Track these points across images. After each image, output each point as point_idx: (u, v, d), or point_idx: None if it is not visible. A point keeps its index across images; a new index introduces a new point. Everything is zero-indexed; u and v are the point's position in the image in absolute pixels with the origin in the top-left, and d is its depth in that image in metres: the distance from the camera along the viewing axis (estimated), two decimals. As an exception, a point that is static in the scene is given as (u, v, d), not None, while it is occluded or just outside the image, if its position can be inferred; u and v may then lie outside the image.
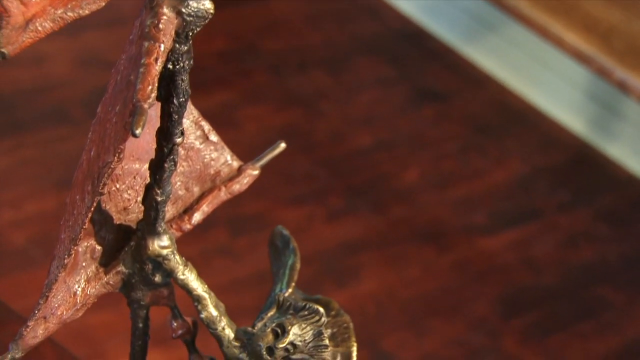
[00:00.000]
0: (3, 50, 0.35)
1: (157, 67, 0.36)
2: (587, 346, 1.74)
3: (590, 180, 2.09)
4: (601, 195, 2.06)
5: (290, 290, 0.52)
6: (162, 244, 0.48)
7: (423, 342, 1.69)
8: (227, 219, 1.81)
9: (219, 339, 0.51)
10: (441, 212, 1.94)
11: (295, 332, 0.49)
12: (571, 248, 1.93)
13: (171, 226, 0.50)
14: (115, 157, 0.38)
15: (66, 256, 0.43)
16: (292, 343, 0.49)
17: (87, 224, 0.42)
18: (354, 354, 0.52)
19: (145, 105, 0.34)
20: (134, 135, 0.34)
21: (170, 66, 0.42)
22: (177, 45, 0.40)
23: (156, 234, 0.47)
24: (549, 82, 2.22)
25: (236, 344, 0.51)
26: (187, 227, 0.49)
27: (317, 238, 1.80)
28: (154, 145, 0.44)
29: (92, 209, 0.41)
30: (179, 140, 0.43)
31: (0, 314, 0.81)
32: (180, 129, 0.43)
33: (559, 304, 1.81)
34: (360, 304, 1.70)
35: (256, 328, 0.50)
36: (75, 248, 0.43)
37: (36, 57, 2.06)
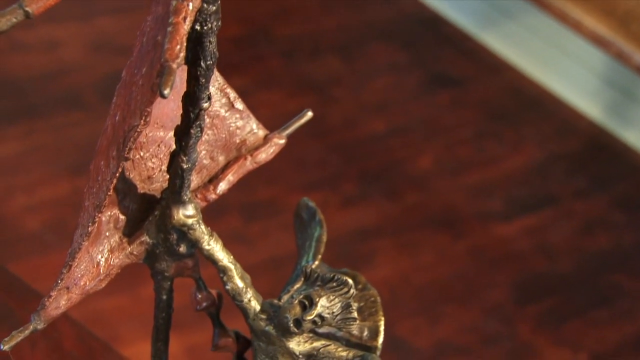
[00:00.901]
0: (27, 9, 0.34)
1: (186, 27, 0.35)
2: (602, 333, 1.73)
3: (607, 167, 2.08)
4: (617, 182, 2.05)
5: (316, 262, 0.51)
6: (187, 213, 0.47)
7: (437, 328, 1.68)
8: (240, 205, 1.80)
9: (244, 311, 0.50)
10: (456, 198, 1.93)
11: (323, 304, 0.48)
12: (587, 235, 1.92)
13: (196, 196, 0.49)
14: (142, 120, 0.37)
15: (90, 224, 0.42)
16: (319, 315, 0.48)
17: (111, 191, 0.41)
18: (382, 328, 0.51)
19: (174, 65, 0.33)
20: (162, 96, 0.33)
21: (197, 27, 0.40)
22: (205, 5, 0.39)
23: (181, 202, 0.46)
24: (565, 67, 2.20)
25: (262, 316, 0.49)
26: (213, 196, 0.48)
27: (330, 224, 1.78)
28: (179, 113, 0.43)
29: (117, 175, 0.40)
30: (205, 105, 0.42)
31: (20, 292, 0.81)
32: (207, 93, 0.42)
33: (574, 291, 1.80)
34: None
35: (282, 300, 0.49)
36: (99, 216, 0.42)
37: (49, 42, 2.06)
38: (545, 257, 1.85)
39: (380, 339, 0.51)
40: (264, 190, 1.86)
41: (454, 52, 2.28)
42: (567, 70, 2.20)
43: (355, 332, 0.51)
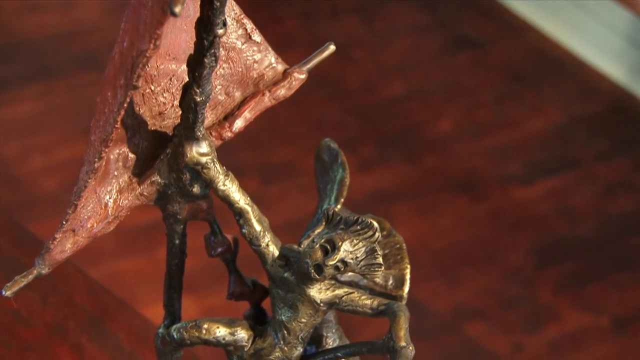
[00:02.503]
0: None
1: (198, -59, 0.33)
2: (624, 296, 1.72)
3: (630, 129, 2.07)
4: (640, 145, 2.04)
5: (339, 206, 0.49)
6: (201, 150, 0.44)
7: (456, 292, 1.67)
8: (258, 167, 1.79)
9: (262, 256, 0.47)
10: (475, 162, 1.92)
11: (346, 249, 0.45)
12: (608, 198, 1.90)
13: (210, 133, 0.46)
14: (151, 44, 0.35)
15: (96, 159, 0.40)
16: (342, 260, 0.45)
17: (119, 123, 0.38)
18: (408, 276, 0.48)
19: (186, -18, 0.31)
20: (173, 14, 0.31)
21: None
22: None
23: (195, 139, 0.44)
24: (589, 28, 2.17)
25: (281, 262, 0.47)
26: (228, 134, 0.46)
27: (348, 186, 1.78)
28: (192, 44, 0.40)
29: (125, 105, 0.38)
30: (220, 31, 0.40)
31: (32, 247, 0.79)
32: (223, 18, 0.39)
33: (595, 254, 1.79)
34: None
35: (303, 246, 0.46)
36: (106, 150, 0.40)
37: (65, 2, 2.05)
38: (566, 221, 1.84)
39: (407, 288, 0.48)
40: (281, 153, 1.85)
41: (475, 13, 2.26)
42: (590, 31, 2.17)
43: (379, 280, 0.48)
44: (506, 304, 1.68)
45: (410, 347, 0.42)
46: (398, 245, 0.49)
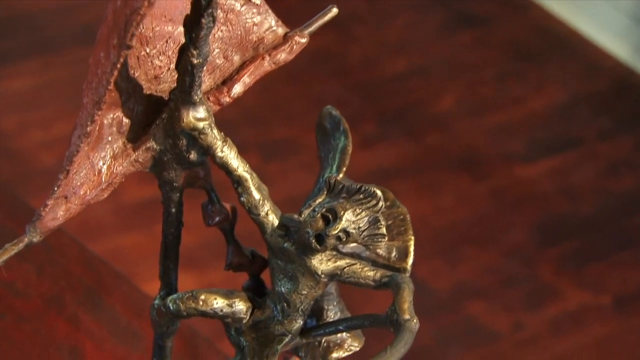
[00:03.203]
0: None
1: None
2: (626, 275, 1.71)
3: (633, 108, 2.06)
4: (644, 123, 2.03)
5: (341, 175, 0.47)
6: (198, 115, 0.43)
7: (456, 270, 1.67)
8: (258, 144, 1.79)
9: (261, 225, 0.46)
10: (477, 140, 1.92)
11: (349, 218, 0.43)
12: (611, 176, 1.90)
13: (208, 98, 0.44)
14: (145, 2, 0.33)
15: (89, 122, 0.38)
16: (344, 230, 0.43)
17: (112, 85, 0.37)
18: (411, 248, 0.47)
19: None
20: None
21: None
22: None
23: (191, 103, 0.42)
24: (592, 5, 2.16)
25: (281, 232, 0.46)
26: (226, 100, 0.44)
27: (348, 165, 1.77)
28: (189, 5, 0.39)
29: (119, 66, 0.36)
30: (218, -11, 0.38)
31: (26, 216, 0.78)
32: None
33: (597, 233, 1.78)
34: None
35: (303, 215, 0.45)
36: (99, 113, 0.38)
37: (64, -25, 2.03)
38: (568, 199, 1.83)
39: (410, 260, 0.47)
40: (282, 129, 1.84)
41: (478, -10, 2.25)
42: (594, 8, 2.16)
43: (382, 252, 0.47)
44: (507, 282, 1.67)
45: (415, 320, 0.41)
46: (402, 217, 0.47)
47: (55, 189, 0.41)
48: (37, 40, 1.92)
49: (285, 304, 0.46)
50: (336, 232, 0.43)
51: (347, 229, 0.43)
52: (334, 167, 0.47)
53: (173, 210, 0.46)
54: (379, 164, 1.82)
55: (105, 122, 0.41)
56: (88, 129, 0.38)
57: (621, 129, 1.99)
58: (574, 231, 1.78)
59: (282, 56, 0.44)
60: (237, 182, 0.45)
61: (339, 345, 0.48)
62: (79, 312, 0.73)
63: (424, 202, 1.77)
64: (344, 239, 0.43)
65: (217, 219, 0.47)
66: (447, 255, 1.69)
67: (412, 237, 0.47)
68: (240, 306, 0.46)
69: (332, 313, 0.48)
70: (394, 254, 0.46)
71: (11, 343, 0.71)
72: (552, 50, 2.15)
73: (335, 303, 0.48)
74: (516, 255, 1.72)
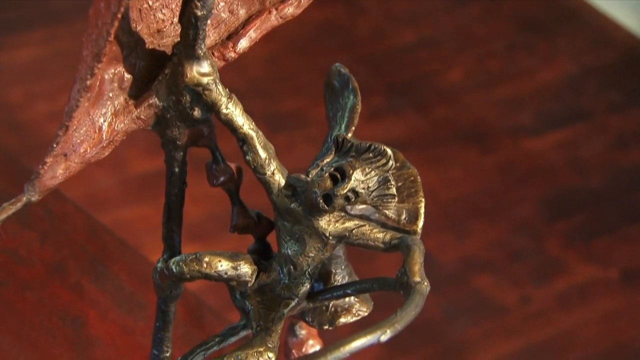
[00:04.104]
0: None
1: None
2: (633, 249, 1.71)
3: (643, 81, 2.05)
4: (654, 96, 2.02)
5: (350, 134, 0.46)
6: (202, 70, 0.41)
7: (464, 244, 1.66)
8: (265, 116, 1.78)
9: (267, 185, 0.45)
10: (486, 113, 1.91)
11: (358, 178, 0.42)
12: (620, 150, 1.88)
13: (213, 54, 0.43)
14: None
15: (89, 76, 0.37)
16: (353, 190, 0.42)
17: (112, 37, 0.36)
18: (422, 210, 0.45)
19: None
20: None
21: None
22: None
23: (195, 58, 0.41)
24: (603, -24, 2.14)
25: (287, 192, 0.44)
26: (232, 55, 0.43)
27: (356, 137, 1.76)
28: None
29: (119, 16, 0.35)
30: (223, -63, 0.37)
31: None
32: None
33: (605, 207, 1.77)
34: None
35: (311, 175, 0.43)
36: (99, 66, 0.37)
37: (70, -55, 2.02)
38: (576, 173, 1.82)
39: (421, 223, 0.46)
40: (289, 102, 1.84)
41: (487, -40, 2.23)
42: (605, -20, 2.14)
43: (392, 214, 0.45)
44: (514, 256, 1.66)
45: (425, 283, 0.40)
46: (412, 178, 0.46)
47: (54, 145, 0.40)
48: (44, 11, 1.91)
49: (291, 267, 0.44)
50: (344, 192, 0.42)
51: (356, 189, 0.42)
52: (343, 126, 0.46)
53: (176, 169, 0.45)
54: (387, 137, 1.81)
55: (106, 77, 0.40)
56: (88, 82, 0.37)
57: (631, 101, 1.98)
58: (582, 205, 1.77)
59: (290, 10, 0.42)
60: (243, 141, 0.44)
61: (347, 310, 0.46)
62: (82, 281, 0.72)
63: (432, 175, 1.76)
64: (353, 199, 0.42)
65: (221, 179, 0.45)
66: (455, 228, 1.69)
67: (423, 199, 0.45)
68: (246, 269, 0.44)
69: (340, 277, 0.46)
70: (404, 216, 0.45)
71: (14, 311, 0.70)
72: (561, 22, 2.13)
73: (343, 267, 0.46)
74: (524, 229, 1.71)
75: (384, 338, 0.36)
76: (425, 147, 1.82)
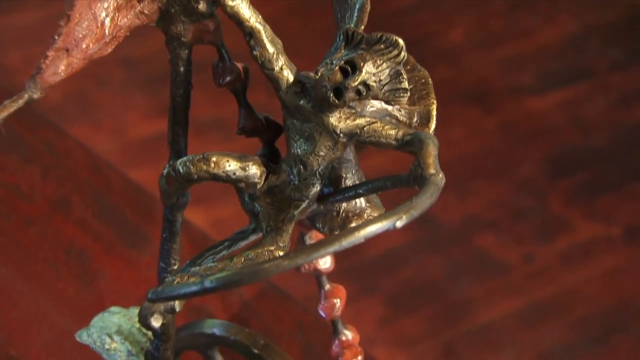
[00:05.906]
0: None
1: None
2: (636, 206, 1.70)
3: (646, 38, 2.04)
4: (657, 54, 2.01)
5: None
6: None
7: (466, 204, 1.66)
8: (266, 80, 1.77)
9: (275, 81, 0.44)
10: (487, 72, 1.90)
11: (369, 70, 0.41)
12: (623, 108, 1.88)
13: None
14: None
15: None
16: (364, 83, 0.41)
17: None
18: (434, 112, 0.44)
19: None
20: None
21: None
22: None
23: None
24: None
25: (296, 88, 0.43)
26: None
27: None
28: None
29: None
30: None
31: (31, 119, 0.76)
32: None
33: (608, 165, 1.76)
34: (401, 165, 1.66)
35: (320, 71, 0.42)
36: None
37: None
38: (579, 131, 1.82)
39: (433, 125, 0.45)
40: (289, 64, 1.82)
41: None
42: (607, -63, 2.13)
43: (403, 117, 0.44)
44: (517, 215, 1.66)
45: (441, 175, 0.39)
46: (423, 80, 0.45)
47: (56, 37, 0.39)
48: (41, -27, 1.90)
49: (301, 167, 0.43)
50: (355, 84, 0.41)
51: (367, 82, 0.41)
52: (352, 25, 0.44)
53: (181, 69, 0.44)
54: (388, 99, 1.80)
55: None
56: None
57: (633, 60, 1.97)
58: (584, 163, 1.76)
59: None
60: (249, 35, 0.43)
61: (358, 215, 0.45)
62: (86, 215, 0.72)
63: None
64: (364, 93, 0.41)
65: (228, 78, 0.44)
66: (457, 188, 1.68)
67: (435, 101, 0.44)
68: (254, 170, 0.43)
69: (351, 181, 0.45)
70: (415, 118, 0.44)
71: (18, 245, 0.69)
72: (563, -20, 2.12)
73: (354, 171, 0.45)
74: (526, 188, 1.70)
75: (399, 224, 0.35)
76: (427, 108, 1.81)
